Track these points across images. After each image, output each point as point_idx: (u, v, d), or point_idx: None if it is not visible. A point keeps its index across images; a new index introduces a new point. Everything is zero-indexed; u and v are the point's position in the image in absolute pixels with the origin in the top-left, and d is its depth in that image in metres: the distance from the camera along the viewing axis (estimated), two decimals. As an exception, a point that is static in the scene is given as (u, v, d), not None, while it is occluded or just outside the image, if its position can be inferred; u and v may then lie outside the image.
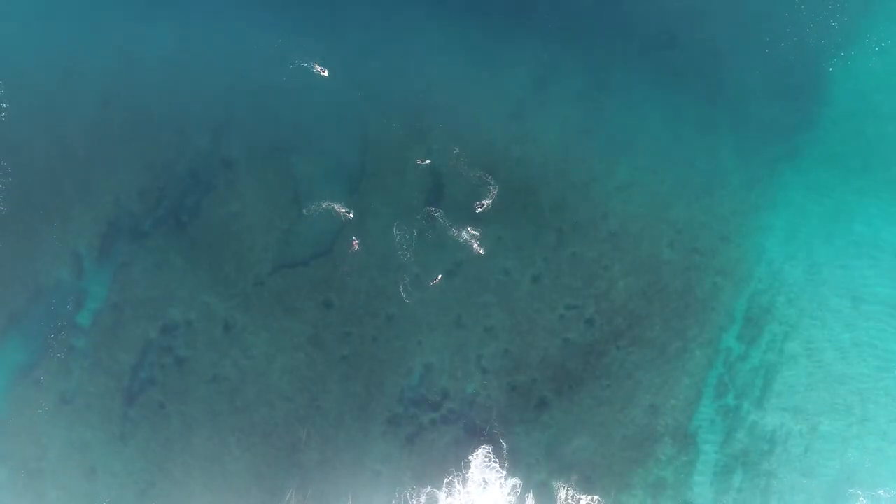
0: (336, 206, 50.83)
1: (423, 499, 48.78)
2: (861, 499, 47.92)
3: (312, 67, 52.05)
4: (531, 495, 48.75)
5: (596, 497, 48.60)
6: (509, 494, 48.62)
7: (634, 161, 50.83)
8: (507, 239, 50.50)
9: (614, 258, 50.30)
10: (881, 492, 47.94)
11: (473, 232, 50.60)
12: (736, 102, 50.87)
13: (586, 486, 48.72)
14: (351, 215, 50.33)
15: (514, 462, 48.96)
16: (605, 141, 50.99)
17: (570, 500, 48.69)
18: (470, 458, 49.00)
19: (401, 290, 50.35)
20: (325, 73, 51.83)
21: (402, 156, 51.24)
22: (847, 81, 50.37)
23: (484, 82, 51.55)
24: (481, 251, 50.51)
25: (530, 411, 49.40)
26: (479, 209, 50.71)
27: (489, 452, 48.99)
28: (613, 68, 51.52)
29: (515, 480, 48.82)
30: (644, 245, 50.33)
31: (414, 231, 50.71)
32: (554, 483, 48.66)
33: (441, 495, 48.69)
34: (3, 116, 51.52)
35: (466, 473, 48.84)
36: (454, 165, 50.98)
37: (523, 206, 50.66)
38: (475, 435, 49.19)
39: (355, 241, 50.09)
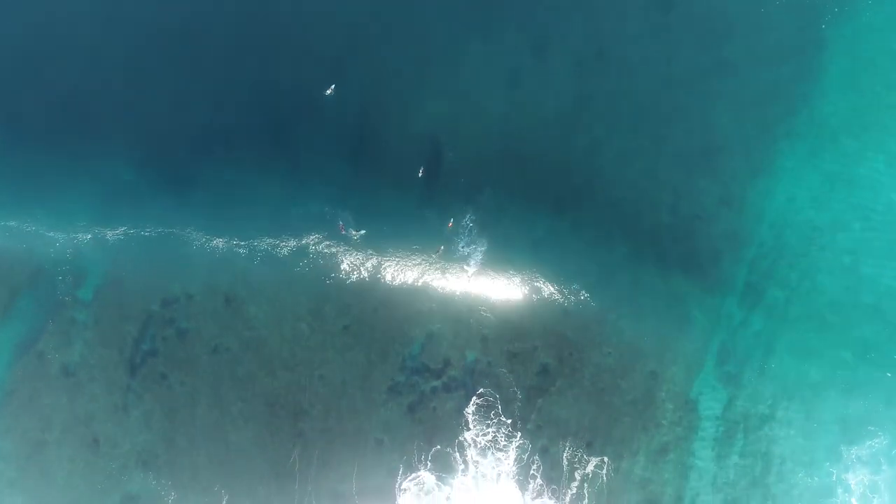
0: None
1: (429, 462, 48.93)
2: (863, 460, 47.87)
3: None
4: (536, 459, 48.82)
5: (605, 458, 48.63)
6: (515, 460, 48.69)
7: (633, 128, 50.58)
8: (507, 206, 50.35)
9: (614, 224, 50.15)
10: (882, 458, 47.85)
11: (472, 199, 50.47)
12: (734, 67, 50.52)
13: (588, 452, 48.78)
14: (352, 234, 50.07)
15: (516, 428, 49.02)
16: (604, 108, 50.74)
17: (576, 464, 48.77)
18: (471, 421, 49.06)
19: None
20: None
21: (399, 126, 51.06)
22: (841, 39, 49.88)
23: (480, 50, 51.25)
24: (481, 213, 50.35)
25: (531, 378, 49.40)
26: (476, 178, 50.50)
27: (490, 416, 49.02)
28: (611, 35, 51.18)
29: (521, 441, 48.85)
30: (644, 211, 50.16)
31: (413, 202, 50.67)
32: (560, 443, 48.71)
33: (454, 455, 48.74)
34: None
35: (470, 437, 48.93)
36: (452, 134, 50.84)
37: (522, 174, 50.48)
38: (477, 402, 49.28)
39: (346, 228, 49.84)
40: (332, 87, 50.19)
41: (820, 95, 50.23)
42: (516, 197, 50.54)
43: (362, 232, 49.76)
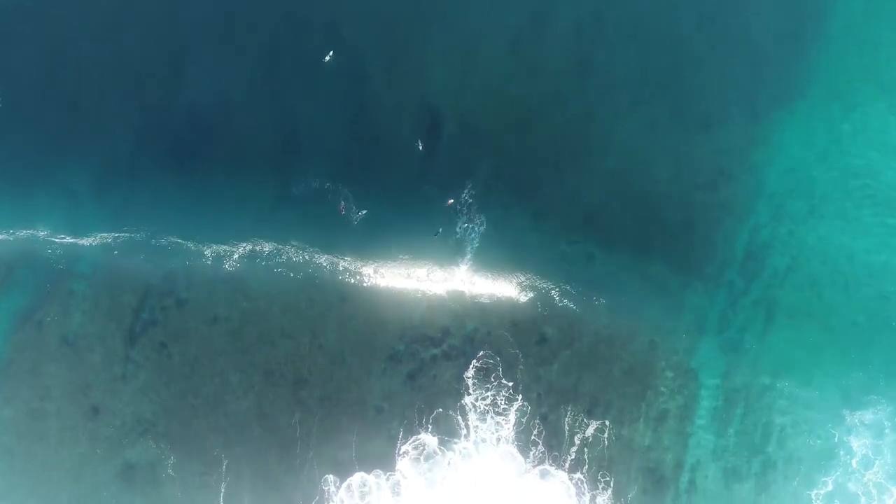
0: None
1: (429, 425, 48.93)
2: (866, 424, 47.80)
3: None
4: (538, 423, 48.79)
5: (606, 422, 48.59)
6: (515, 424, 48.66)
7: (633, 95, 50.43)
8: (506, 175, 50.23)
9: (614, 193, 50.04)
10: (886, 423, 47.78)
11: (471, 172, 50.32)
12: (734, 35, 50.36)
13: (589, 417, 48.76)
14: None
15: (517, 391, 48.95)
16: (603, 75, 50.59)
17: (577, 429, 48.74)
18: (471, 385, 49.02)
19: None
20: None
21: (400, 91, 50.89)
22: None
23: (481, 16, 51.03)
24: (481, 187, 50.25)
25: (531, 346, 49.33)
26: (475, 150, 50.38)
27: (490, 380, 48.97)
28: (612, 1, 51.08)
29: (522, 404, 48.80)
30: (644, 181, 50.03)
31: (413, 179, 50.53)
32: (561, 408, 48.67)
33: (455, 418, 48.71)
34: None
35: (469, 401, 48.90)
36: (453, 103, 50.69)
37: (521, 142, 50.34)
38: (477, 366, 49.25)
39: (347, 209, 49.74)
40: (331, 53, 49.99)
41: (820, 63, 50.02)
42: (515, 168, 50.41)
43: (363, 212, 49.67)
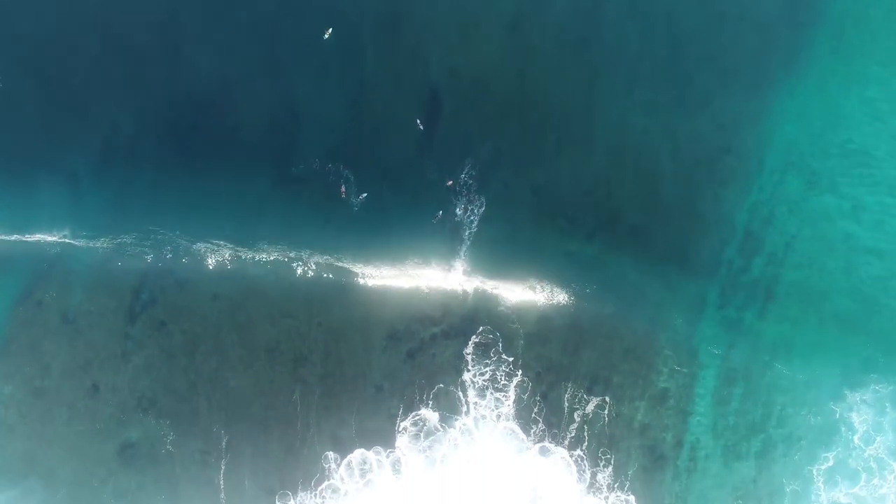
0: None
1: (430, 401, 48.96)
2: (867, 402, 47.78)
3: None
4: (538, 400, 48.79)
5: (606, 398, 48.60)
6: (515, 401, 48.69)
7: (633, 73, 50.39)
8: (506, 151, 50.23)
9: (614, 171, 50.06)
10: (887, 402, 47.76)
11: (471, 150, 50.31)
12: (736, 10, 50.35)
13: (589, 394, 48.81)
14: None
15: (517, 366, 48.96)
16: (603, 53, 50.56)
17: (576, 405, 48.76)
18: (470, 361, 49.04)
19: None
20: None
21: (400, 69, 50.88)
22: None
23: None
24: (480, 167, 50.25)
25: (531, 324, 49.35)
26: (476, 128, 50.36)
27: (490, 355, 48.97)
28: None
29: (522, 379, 48.81)
30: (644, 157, 50.03)
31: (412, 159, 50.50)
32: (561, 385, 48.70)
33: (456, 394, 48.74)
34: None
35: (469, 378, 48.93)
36: (451, 80, 50.66)
37: (521, 119, 50.35)
38: (476, 341, 49.30)
39: (348, 192, 49.73)
40: (330, 30, 49.97)
41: (819, 42, 49.97)
42: (515, 147, 50.39)
43: (363, 195, 49.71)
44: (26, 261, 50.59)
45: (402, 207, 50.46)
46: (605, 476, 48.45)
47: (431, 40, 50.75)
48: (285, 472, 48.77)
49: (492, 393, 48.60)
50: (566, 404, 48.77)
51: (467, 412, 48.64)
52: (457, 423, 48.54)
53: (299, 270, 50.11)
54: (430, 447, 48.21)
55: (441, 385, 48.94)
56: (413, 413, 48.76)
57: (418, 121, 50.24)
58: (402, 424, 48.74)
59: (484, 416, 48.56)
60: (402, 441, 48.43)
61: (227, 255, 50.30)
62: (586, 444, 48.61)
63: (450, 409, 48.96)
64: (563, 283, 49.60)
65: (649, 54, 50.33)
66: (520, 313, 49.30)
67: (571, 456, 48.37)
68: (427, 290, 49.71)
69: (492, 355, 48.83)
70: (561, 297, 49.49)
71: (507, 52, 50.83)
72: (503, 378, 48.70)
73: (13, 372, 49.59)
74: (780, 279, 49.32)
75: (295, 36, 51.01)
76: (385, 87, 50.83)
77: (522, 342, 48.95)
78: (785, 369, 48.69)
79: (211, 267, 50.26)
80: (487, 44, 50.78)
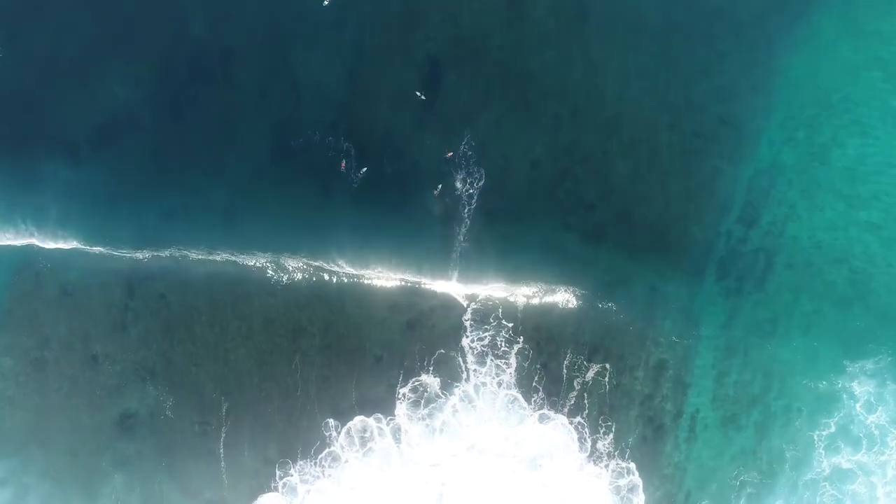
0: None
1: (430, 367, 48.95)
2: (868, 373, 47.88)
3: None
4: (539, 369, 48.81)
5: (607, 365, 48.63)
6: (516, 369, 48.69)
7: (632, 46, 50.40)
8: (506, 124, 50.21)
9: (613, 143, 50.04)
10: (887, 374, 47.80)
11: (471, 122, 50.30)
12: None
13: (589, 361, 48.90)
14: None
15: (517, 332, 48.98)
16: (602, 25, 50.55)
17: (576, 373, 48.77)
18: (469, 327, 49.04)
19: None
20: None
21: (400, 39, 50.82)
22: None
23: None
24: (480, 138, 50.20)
25: (531, 295, 49.38)
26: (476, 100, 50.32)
27: (490, 321, 48.95)
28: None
29: (523, 346, 48.81)
30: (643, 129, 50.05)
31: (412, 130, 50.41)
32: (561, 352, 48.72)
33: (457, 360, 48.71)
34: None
35: (467, 343, 48.93)
36: (451, 51, 50.60)
37: (521, 91, 50.33)
38: (475, 311, 49.30)
39: (348, 167, 49.67)
40: None
41: (822, 15, 49.95)
42: (515, 118, 50.33)
43: (363, 170, 49.67)
44: (23, 235, 50.46)
45: (402, 181, 50.32)
46: (605, 444, 48.49)
47: (432, 11, 50.69)
48: (285, 442, 48.77)
49: (492, 360, 48.58)
50: (565, 372, 48.77)
51: (467, 379, 48.61)
52: (457, 390, 48.53)
53: (298, 244, 49.97)
54: (429, 415, 48.20)
55: (441, 350, 48.91)
56: (413, 379, 48.75)
57: (418, 92, 50.17)
58: (402, 391, 48.72)
59: (484, 384, 48.54)
60: (401, 409, 48.41)
61: (225, 226, 50.12)
62: (586, 411, 48.66)
63: (450, 376, 48.96)
64: (563, 255, 49.54)
65: (648, 24, 50.31)
66: (519, 284, 49.29)
67: (571, 423, 48.39)
68: (426, 265, 49.62)
69: (491, 321, 48.79)
70: (560, 267, 49.44)
71: (506, 23, 50.79)
72: (503, 344, 48.67)
73: (12, 344, 49.53)
74: (779, 250, 49.41)
75: (295, 3, 50.81)
76: (385, 57, 50.71)
77: (521, 312, 48.94)
78: (784, 339, 48.76)
79: (210, 241, 50.08)
80: (487, 16, 50.74)
